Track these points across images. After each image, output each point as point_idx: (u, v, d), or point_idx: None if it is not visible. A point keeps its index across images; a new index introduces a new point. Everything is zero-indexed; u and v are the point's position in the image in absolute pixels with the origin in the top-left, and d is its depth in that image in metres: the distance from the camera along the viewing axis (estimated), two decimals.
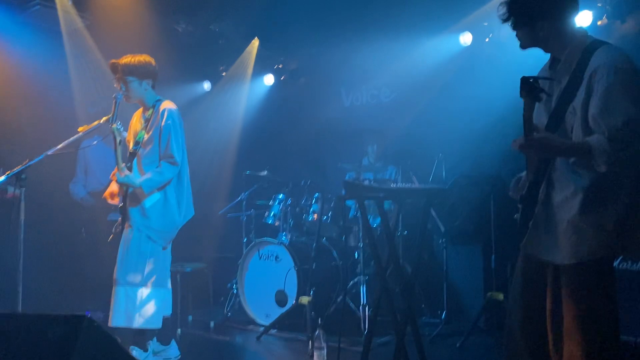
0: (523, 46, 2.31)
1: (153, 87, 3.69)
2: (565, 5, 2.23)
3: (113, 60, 3.57)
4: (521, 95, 2.08)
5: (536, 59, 2.45)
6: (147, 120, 3.66)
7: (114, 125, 3.46)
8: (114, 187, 3.71)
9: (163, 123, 3.56)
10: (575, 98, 2.14)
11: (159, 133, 3.58)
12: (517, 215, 2.32)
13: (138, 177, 3.52)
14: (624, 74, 2.04)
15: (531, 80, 2.05)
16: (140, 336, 3.60)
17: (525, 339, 2.31)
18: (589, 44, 2.18)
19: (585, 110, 2.10)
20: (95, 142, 4.04)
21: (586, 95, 2.10)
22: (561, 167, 2.21)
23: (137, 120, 3.77)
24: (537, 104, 2.13)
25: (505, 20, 2.26)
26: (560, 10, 2.21)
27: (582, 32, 2.26)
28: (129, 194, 3.59)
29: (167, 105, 3.65)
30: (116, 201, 3.68)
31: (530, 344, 2.30)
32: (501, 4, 2.26)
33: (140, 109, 3.78)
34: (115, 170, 3.54)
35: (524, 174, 2.38)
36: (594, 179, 2.10)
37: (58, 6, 5.00)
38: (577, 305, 2.12)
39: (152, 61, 3.64)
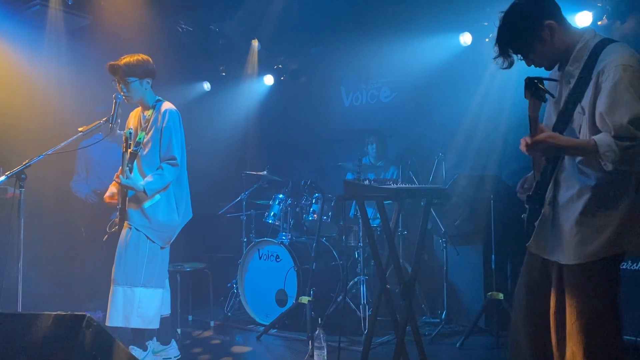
0: (547, 67, 2.28)
1: (152, 86, 3.68)
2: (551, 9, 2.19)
3: (111, 62, 3.55)
4: (526, 97, 2.05)
5: None
6: (147, 121, 3.65)
7: (127, 129, 3.48)
8: (113, 188, 3.72)
9: (164, 124, 3.56)
10: (584, 97, 2.12)
11: (159, 134, 3.57)
12: (524, 215, 2.31)
13: (140, 180, 3.52)
14: (632, 72, 2.01)
15: (535, 81, 2.02)
16: (140, 336, 3.61)
17: (528, 339, 2.31)
18: (597, 43, 2.16)
19: (593, 109, 2.08)
20: (98, 141, 4.05)
21: (594, 94, 2.08)
22: (568, 167, 2.20)
23: (135, 120, 3.76)
24: (547, 104, 2.10)
25: (508, 53, 2.22)
26: (549, 16, 2.17)
27: (590, 30, 2.23)
28: (129, 194, 3.58)
29: (168, 106, 3.65)
30: (115, 200, 3.68)
31: (534, 344, 2.30)
32: (496, 44, 2.24)
33: (138, 109, 3.78)
34: (119, 172, 3.55)
35: (530, 174, 2.38)
36: (600, 179, 2.09)
37: (52, 6, 4.99)
38: (580, 306, 2.11)
39: (150, 60, 3.64)
